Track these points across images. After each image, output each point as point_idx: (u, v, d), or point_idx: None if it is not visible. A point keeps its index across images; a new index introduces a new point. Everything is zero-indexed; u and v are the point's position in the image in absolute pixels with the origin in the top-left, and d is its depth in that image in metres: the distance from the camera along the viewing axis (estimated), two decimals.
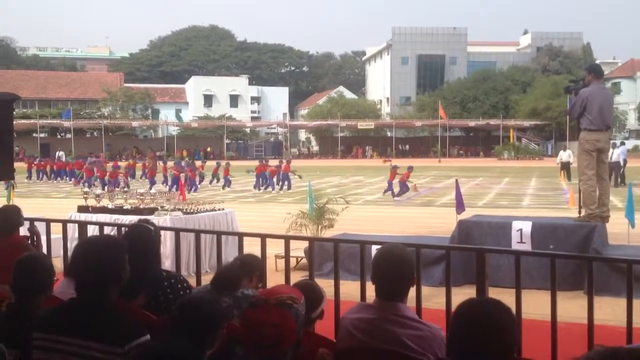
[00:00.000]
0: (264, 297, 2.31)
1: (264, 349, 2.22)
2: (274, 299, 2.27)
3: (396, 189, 22.17)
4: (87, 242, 3.22)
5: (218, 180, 28.55)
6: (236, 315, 3.06)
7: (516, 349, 2.10)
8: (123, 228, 4.86)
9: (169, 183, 26.62)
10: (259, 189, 26.19)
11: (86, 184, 27.52)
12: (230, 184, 27.21)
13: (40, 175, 36.05)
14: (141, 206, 8.99)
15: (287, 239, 4.54)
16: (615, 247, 8.11)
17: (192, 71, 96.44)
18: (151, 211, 8.65)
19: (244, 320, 2.35)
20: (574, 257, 6.52)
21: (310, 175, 28.22)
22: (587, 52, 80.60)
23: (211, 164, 32.23)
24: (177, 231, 4.98)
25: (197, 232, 4.75)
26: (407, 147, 76.21)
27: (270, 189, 26.00)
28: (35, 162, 38.13)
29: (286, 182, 26.04)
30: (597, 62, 70.84)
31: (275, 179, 26.30)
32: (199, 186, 27.02)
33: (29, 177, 35.38)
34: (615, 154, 22.86)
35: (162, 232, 6.71)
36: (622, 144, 27.13)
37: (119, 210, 9.03)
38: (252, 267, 3.69)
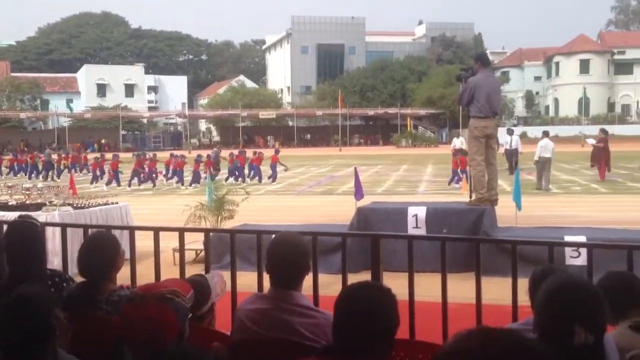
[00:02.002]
0: (142, 293, 2.23)
1: (144, 345, 2.14)
2: (153, 294, 2.19)
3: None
4: None
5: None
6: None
7: (396, 330, 2.15)
8: (4, 225, 4.55)
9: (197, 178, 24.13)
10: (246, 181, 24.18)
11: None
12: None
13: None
14: (27, 202, 8.52)
15: (181, 231, 4.42)
16: (503, 229, 8.50)
17: (84, 60, 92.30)
18: (38, 207, 8.21)
19: (121, 316, 2.27)
20: (463, 239, 6.79)
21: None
22: (478, 42, 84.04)
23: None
24: (63, 227, 4.73)
25: (85, 227, 4.53)
26: (309, 136, 76.80)
27: (241, 180, 24.00)
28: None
29: (270, 174, 24.37)
30: (488, 51, 74.11)
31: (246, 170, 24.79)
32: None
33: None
34: (514, 141, 23.79)
35: (51, 229, 6.40)
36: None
37: (3, 207, 8.51)
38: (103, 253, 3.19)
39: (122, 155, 29.31)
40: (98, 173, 25.67)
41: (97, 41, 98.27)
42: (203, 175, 23.08)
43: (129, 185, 23.78)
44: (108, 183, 23.90)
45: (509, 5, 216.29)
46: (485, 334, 1.36)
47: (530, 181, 20.21)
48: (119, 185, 23.45)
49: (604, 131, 22.67)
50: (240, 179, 24.31)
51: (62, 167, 30.88)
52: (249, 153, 26.96)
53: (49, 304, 2.41)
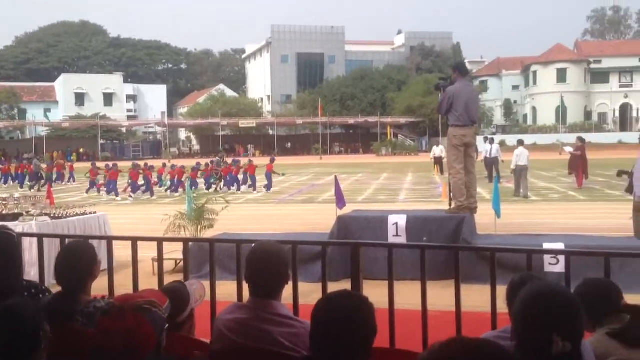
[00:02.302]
0: (118, 304, 2.20)
1: (122, 357, 2.12)
2: (130, 305, 2.17)
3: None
4: None
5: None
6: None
7: (374, 340, 2.15)
8: None
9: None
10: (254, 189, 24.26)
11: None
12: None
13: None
14: (4, 212, 8.41)
15: (159, 241, 4.37)
16: (483, 237, 8.55)
17: (61, 69, 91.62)
18: (15, 217, 8.10)
19: (97, 328, 2.24)
20: (442, 247, 6.82)
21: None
22: (456, 52, 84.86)
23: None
24: (39, 237, 4.67)
25: (62, 238, 4.47)
26: (289, 144, 76.82)
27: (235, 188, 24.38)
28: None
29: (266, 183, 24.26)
30: (466, 61, 74.91)
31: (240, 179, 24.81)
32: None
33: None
34: (494, 150, 23.88)
35: (28, 239, 6.32)
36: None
37: None
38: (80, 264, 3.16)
39: (121, 164, 28.87)
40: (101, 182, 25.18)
41: (75, 50, 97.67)
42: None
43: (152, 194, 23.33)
44: (109, 192, 23.45)
45: (487, 15, 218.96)
46: (464, 344, 1.36)
47: (509, 189, 20.38)
48: (117, 196, 23.03)
49: (581, 139, 22.94)
50: (226, 187, 24.52)
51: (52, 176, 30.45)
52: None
53: (37, 315, 2.39)
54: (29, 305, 2.45)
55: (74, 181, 31.55)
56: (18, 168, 31.85)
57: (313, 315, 2.17)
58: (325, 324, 2.10)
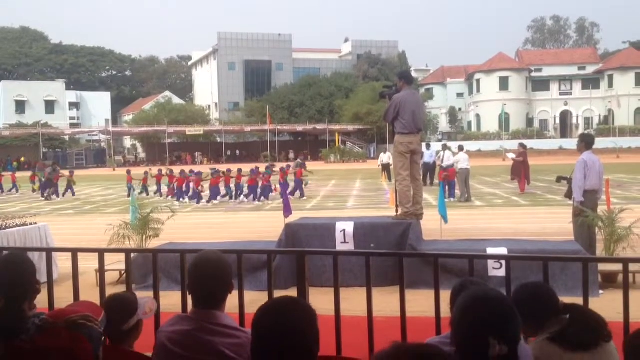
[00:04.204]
0: (52, 320, 2.13)
1: None
2: (64, 321, 2.10)
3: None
4: None
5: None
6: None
7: (316, 346, 2.12)
8: None
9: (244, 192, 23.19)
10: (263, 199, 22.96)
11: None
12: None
13: None
14: None
15: (100, 252, 4.27)
16: (429, 243, 8.64)
17: (1, 76, 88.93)
18: None
19: (34, 346, 2.16)
20: (386, 254, 6.87)
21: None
22: (402, 60, 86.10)
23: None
24: None
25: None
26: (238, 152, 76.41)
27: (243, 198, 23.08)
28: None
29: (299, 190, 23.49)
30: (412, 69, 76.08)
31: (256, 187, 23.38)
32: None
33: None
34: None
35: None
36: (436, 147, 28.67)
37: None
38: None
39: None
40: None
41: (15, 57, 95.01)
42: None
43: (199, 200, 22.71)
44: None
45: (431, 24, 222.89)
46: (407, 350, 1.37)
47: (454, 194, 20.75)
48: (147, 194, 25.84)
49: (523, 145, 23.51)
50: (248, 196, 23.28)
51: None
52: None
53: None
54: None
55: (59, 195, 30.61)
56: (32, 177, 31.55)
57: (253, 325, 2.13)
58: (263, 332, 2.06)
